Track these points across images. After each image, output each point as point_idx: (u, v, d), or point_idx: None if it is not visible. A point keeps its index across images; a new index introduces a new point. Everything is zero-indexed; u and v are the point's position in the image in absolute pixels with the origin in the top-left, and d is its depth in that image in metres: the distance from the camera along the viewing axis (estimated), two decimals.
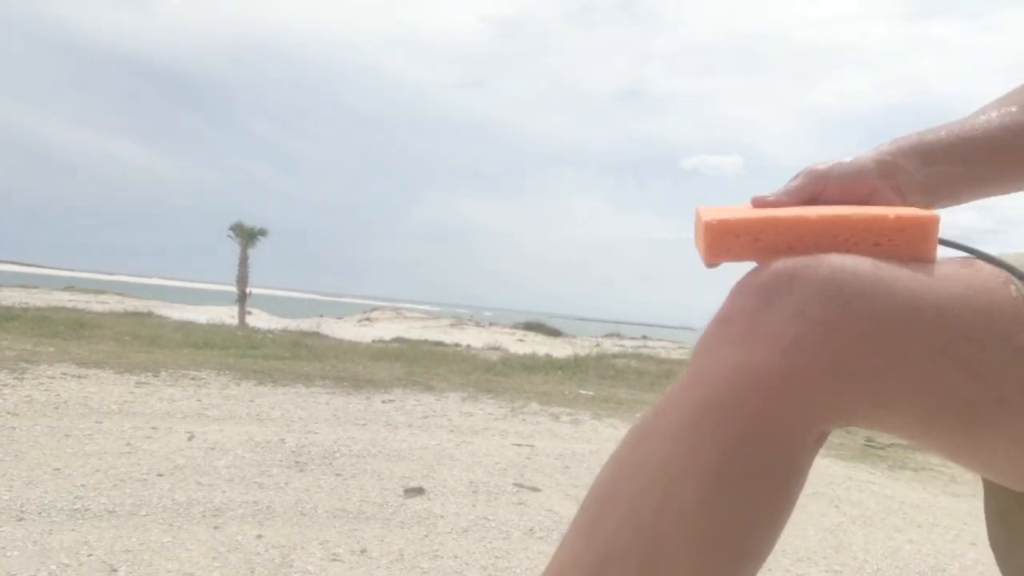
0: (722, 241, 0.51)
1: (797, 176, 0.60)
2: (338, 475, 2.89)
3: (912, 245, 0.48)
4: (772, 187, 0.60)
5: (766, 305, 0.46)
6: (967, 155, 0.60)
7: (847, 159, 0.60)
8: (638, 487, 0.49)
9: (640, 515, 0.48)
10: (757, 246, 0.50)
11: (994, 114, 0.62)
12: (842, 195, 0.58)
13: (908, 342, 0.44)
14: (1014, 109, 0.61)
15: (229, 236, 20.93)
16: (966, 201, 0.63)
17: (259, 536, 2.12)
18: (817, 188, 0.58)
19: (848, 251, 0.47)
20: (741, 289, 0.49)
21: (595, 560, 0.49)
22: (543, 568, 0.54)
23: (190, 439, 3.23)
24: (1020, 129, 0.60)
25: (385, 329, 21.96)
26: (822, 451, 0.53)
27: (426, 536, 2.28)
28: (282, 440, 3.38)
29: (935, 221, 0.48)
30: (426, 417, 4.37)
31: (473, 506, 2.65)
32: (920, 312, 0.45)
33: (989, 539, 0.65)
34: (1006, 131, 0.60)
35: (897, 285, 0.45)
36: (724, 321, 0.48)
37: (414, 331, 21.57)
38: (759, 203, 0.58)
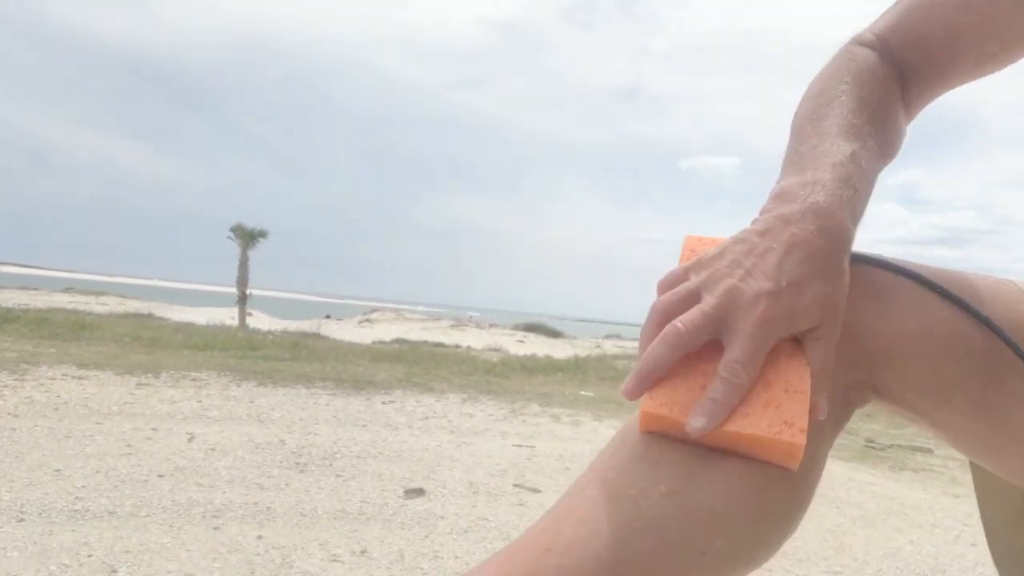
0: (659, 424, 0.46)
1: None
2: (338, 476, 2.89)
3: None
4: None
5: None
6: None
7: None
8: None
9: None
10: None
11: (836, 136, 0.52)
12: None
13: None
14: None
15: (229, 238, 20.92)
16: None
17: (259, 537, 2.12)
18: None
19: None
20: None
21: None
22: None
23: (190, 440, 3.23)
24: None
25: (385, 330, 21.98)
26: None
27: (426, 537, 2.28)
28: (282, 441, 3.38)
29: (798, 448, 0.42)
30: (426, 418, 4.37)
31: (473, 507, 2.65)
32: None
33: (995, 550, 0.62)
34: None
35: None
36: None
37: (414, 332, 21.59)
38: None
